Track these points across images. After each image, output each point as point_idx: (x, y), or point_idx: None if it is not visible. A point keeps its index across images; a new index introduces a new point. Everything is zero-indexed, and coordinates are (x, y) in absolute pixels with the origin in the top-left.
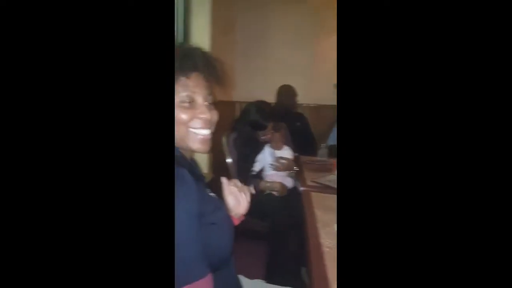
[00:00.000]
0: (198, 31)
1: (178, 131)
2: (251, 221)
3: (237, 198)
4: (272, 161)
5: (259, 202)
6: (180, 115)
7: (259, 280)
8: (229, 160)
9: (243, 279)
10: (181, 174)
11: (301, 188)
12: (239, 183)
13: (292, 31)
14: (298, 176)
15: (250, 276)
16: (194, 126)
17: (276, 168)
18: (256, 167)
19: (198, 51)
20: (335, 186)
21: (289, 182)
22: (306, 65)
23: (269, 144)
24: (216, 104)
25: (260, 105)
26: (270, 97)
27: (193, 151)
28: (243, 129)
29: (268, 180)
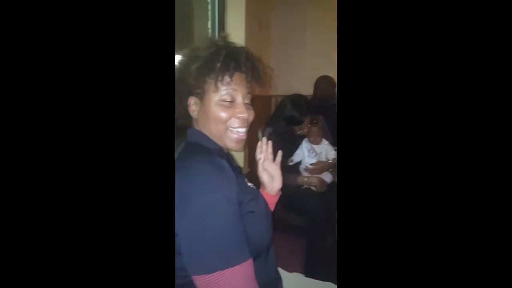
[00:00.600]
0: (233, 26)
1: (217, 129)
2: (289, 215)
3: (270, 173)
4: (310, 156)
5: (297, 196)
6: (220, 114)
7: (298, 273)
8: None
9: (281, 272)
10: (221, 164)
11: None
12: (270, 156)
13: (328, 22)
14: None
15: (289, 269)
16: (232, 125)
17: (310, 172)
18: (294, 160)
19: (242, 51)
20: None
21: (328, 177)
22: None
23: (306, 139)
24: (252, 100)
25: (296, 99)
26: (308, 90)
27: (228, 149)
28: (278, 124)
29: (306, 175)
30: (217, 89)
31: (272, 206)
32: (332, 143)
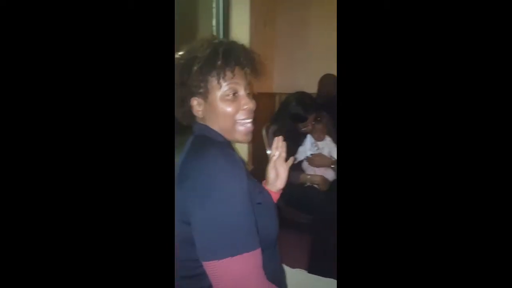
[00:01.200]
0: (238, 23)
1: (226, 124)
2: (293, 212)
3: (278, 172)
4: (312, 149)
5: (301, 194)
6: (227, 109)
7: (301, 269)
8: (269, 152)
9: (285, 268)
10: (230, 153)
11: None
12: (283, 153)
13: (333, 20)
14: None
15: (292, 266)
16: (239, 118)
17: (311, 163)
18: (298, 158)
19: (238, 45)
20: None
21: (331, 175)
22: None
23: (310, 135)
24: (255, 96)
25: (300, 97)
26: (312, 88)
27: (238, 142)
28: (283, 121)
29: (310, 172)
30: (220, 85)
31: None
32: (335, 141)
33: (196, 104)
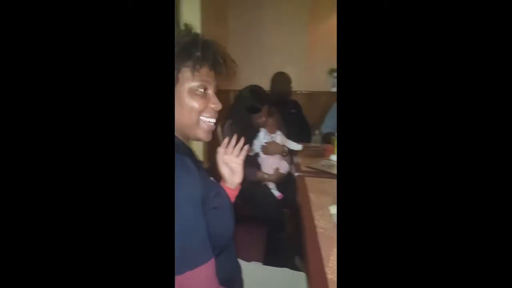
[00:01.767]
0: (188, 19)
1: (190, 119)
2: (248, 206)
3: (231, 167)
4: (265, 139)
5: (256, 187)
6: (194, 104)
7: (256, 262)
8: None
9: (240, 262)
10: (184, 161)
11: (296, 174)
12: (233, 151)
13: (286, 18)
14: (293, 162)
15: (248, 259)
16: (205, 116)
17: (265, 151)
18: (252, 151)
19: (216, 44)
20: (329, 170)
21: (285, 167)
22: (301, 52)
23: (263, 129)
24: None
25: (254, 88)
26: (265, 86)
27: (197, 139)
28: (238, 114)
29: (265, 166)
30: (192, 78)
31: (232, 199)
32: (285, 135)
33: None
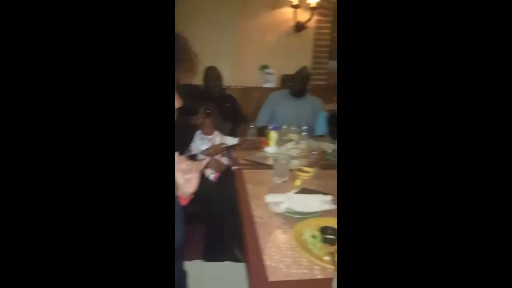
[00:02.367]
0: None
1: None
2: (191, 206)
3: (186, 177)
4: (203, 147)
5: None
6: None
7: (198, 260)
8: None
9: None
10: None
11: (234, 167)
12: (189, 162)
13: (215, 14)
14: (230, 156)
15: (190, 258)
16: None
17: (208, 155)
18: (190, 154)
19: (182, 36)
20: (264, 162)
21: (224, 161)
22: (231, 49)
23: (199, 131)
24: None
25: (188, 89)
26: (197, 83)
27: None
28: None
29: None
30: None
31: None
32: (224, 133)
33: None
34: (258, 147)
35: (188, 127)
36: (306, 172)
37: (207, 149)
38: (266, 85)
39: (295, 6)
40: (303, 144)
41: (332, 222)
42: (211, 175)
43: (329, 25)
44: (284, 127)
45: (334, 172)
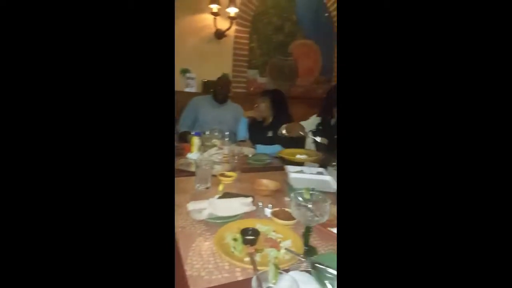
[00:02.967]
0: None
1: None
2: None
3: None
4: None
5: None
6: None
7: None
8: None
9: None
10: None
11: None
12: None
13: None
14: None
15: None
16: None
17: None
18: None
19: None
20: (187, 168)
21: None
22: None
23: None
24: None
25: None
26: None
27: None
28: None
29: None
30: None
31: None
32: None
33: None
34: (181, 153)
35: None
36: (229, 176)
37: None
38: (187, 90)
39: (215, 14)
40: (226, 149)
41: (252, 223)
42: None
43: (247, 35)
44: (207, 132)
45: (254, 175)
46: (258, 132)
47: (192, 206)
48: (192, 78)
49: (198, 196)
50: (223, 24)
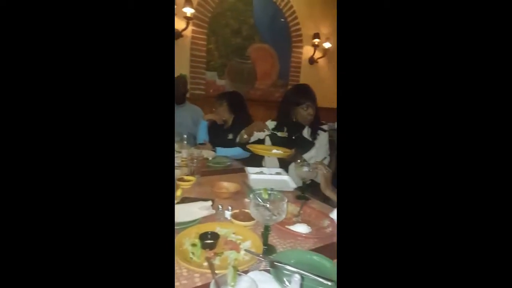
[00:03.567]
0: None
1: None
2: None
3: None
4: None
5: None
6: None
7: None
8: None
9: None
10: None
11: None
12: None
13: None
14: None
15: None
16: None
17: None
18: None
19: None
20: None
21: None
22: None
23: None
24: None
25: None
26: None
27: None
28: None
29: None
30: None
31: None
32: None
33: None
34: None
35: None
36: (187, 181)
37: None
38: None
39: None
40: (184, 153)
41: (212, 227)
42: None
43: (204, 36)
44: None
45: (213, 178)
46: (218, 135)
47: None
48: None
49: None
50: (179, 24)
